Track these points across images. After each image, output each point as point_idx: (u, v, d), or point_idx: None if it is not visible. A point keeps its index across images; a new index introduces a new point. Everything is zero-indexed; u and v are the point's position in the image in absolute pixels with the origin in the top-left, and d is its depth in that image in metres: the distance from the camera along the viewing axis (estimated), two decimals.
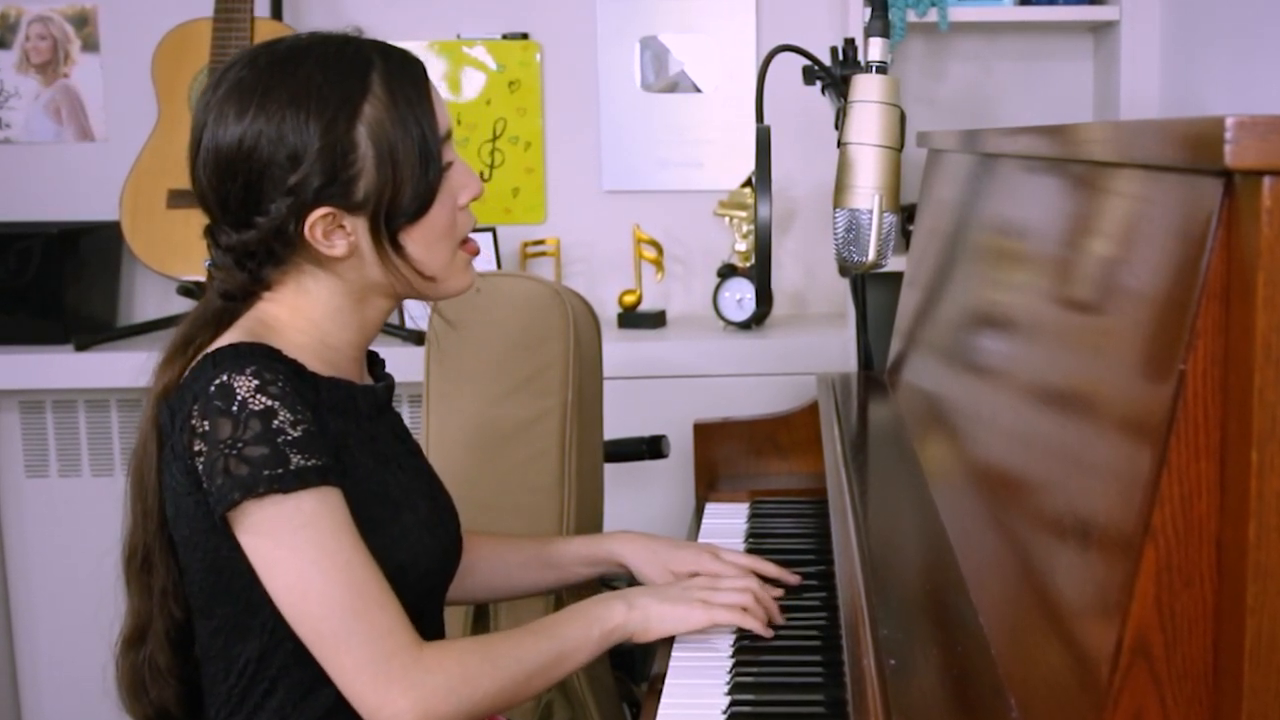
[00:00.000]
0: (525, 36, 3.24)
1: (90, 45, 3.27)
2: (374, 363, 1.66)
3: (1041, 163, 1.43)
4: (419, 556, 1.52)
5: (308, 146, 1.41)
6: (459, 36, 3.21)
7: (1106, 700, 0.90)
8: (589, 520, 2.28)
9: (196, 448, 1.37)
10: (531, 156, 3.26)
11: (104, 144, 3.29)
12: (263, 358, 1.40)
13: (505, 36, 3.23)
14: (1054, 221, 1.32)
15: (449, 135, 1.51)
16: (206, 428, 1.36)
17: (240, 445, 1.34)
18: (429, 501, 1.59)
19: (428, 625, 1.60)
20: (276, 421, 1.36)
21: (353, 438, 1.49)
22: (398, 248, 1.47)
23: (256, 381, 1.37)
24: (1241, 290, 0.85)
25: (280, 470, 1.34)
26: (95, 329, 3.11)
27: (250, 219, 1.44)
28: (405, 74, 1.47)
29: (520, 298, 2.22)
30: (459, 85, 3.22)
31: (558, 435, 2.20)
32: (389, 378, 1.65)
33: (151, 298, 3.29)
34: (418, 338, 2.91)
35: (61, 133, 3.31)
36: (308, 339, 1.49)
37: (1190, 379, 0.86)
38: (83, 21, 3.27)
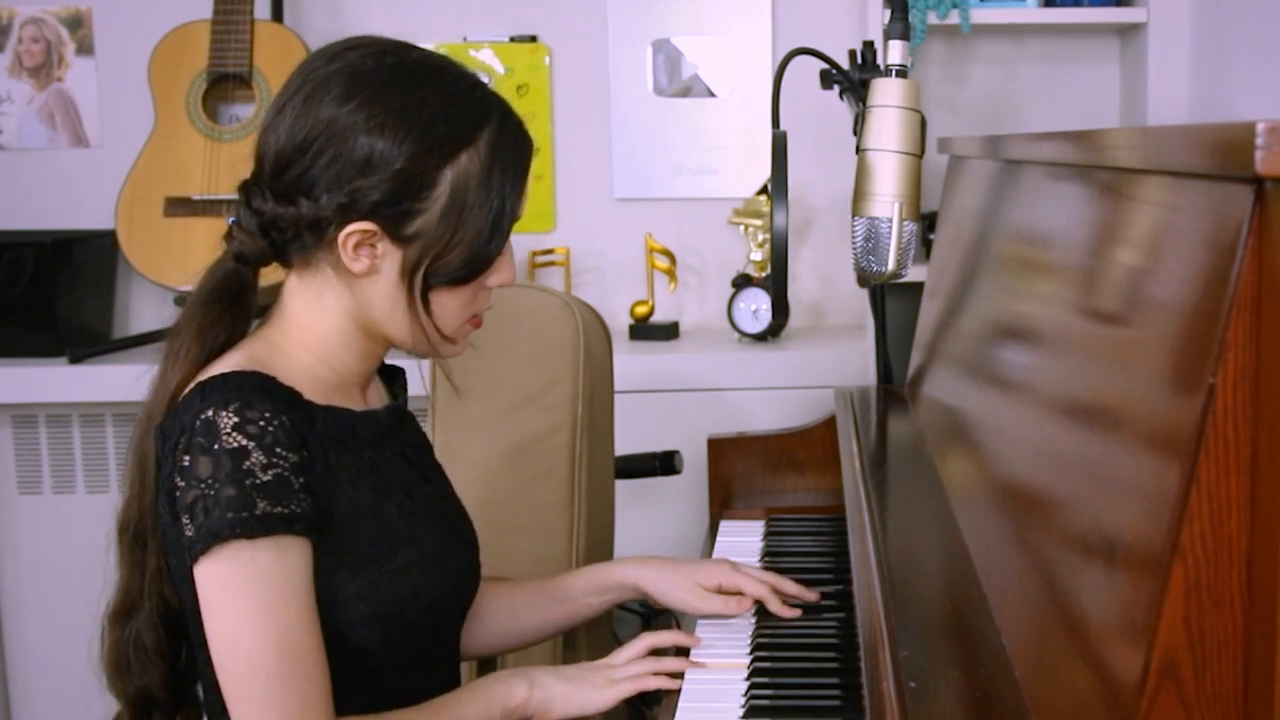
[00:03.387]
0: (534, 39, 3.22)
1: (85, 48, 3.26)
2: (393, 380, 1.66)
3: (1066, 169, 1.43)
4: (420, 591, 1.50)
5: (390, 163, 1.39)
6: (465, 39, 3.21)
7: None
8: (599, 539, 2.27)
9: (178, 481, 1.36)
10: (540, 163, 3.24)
11: (99, 150, 3.28)
12: (252, 391, 1.38)
13: (513, 39, 3.21)
14: (1079, 230, 1.33)
15: (517, 219, 1.50)
16: (187, 463, 1.35)
17: (216, 486, 1.33)
18: (439, 531, 1.57)
19: (437, 659, 1.59)
20: (248, 463, 1.34)
21: (348, 470, 1.46)
22: (426, 300, 1.46)
23: (237, 419, 1.35)
24: (1273, 301, 0.84)
25: (245, 514, 1.33)
26: (90, 341, 3.10)
27: (296, 197, 1.41)
28: (514, 146, 1.47)
29: (528, 309, 2.21)
30: None
31: (567, 451, 2.19)
32: (399, 396, 1.64)
33: (148, 308, 3.28)
34: None
35: (55, 138, 3.29)
36: (312, 358, 1.48)
37: (1220, 392, 0.86)
38: (77, 23, 3.25)
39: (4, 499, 3.12)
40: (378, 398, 1.59)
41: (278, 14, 3.10)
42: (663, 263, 3.15)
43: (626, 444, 2.50)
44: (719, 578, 1.74)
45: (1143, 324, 1.04)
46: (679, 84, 3.21)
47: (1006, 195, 1.77)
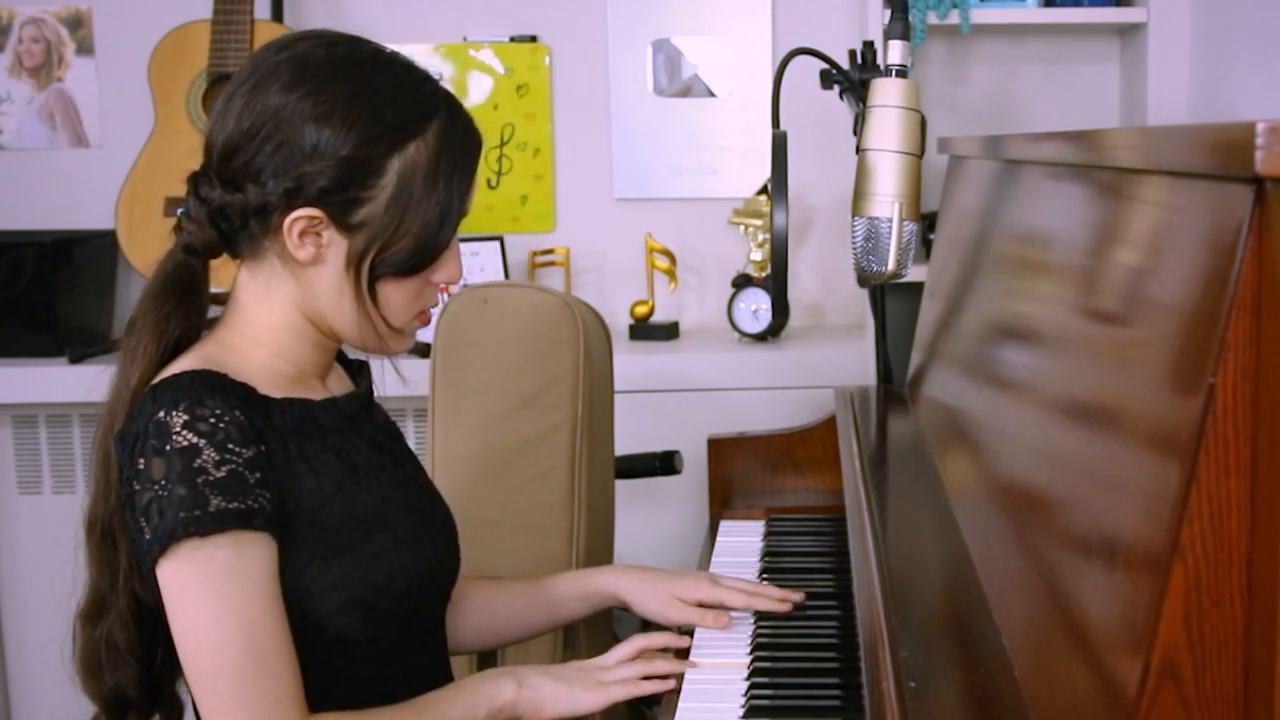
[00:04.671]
0: (534, 39, 3.21)
1: (85, 48, 3.25)
2: (356, 371, 1.65)
3: (1067, 169, 1.43)
4: (396, 576, 1.48)
5: (336, 150, 1.40)
6: (465, 39, 3.19)
7: None
8: (599, 539, 2.26)
9: (135, 486, 1.36)
10: (540, 163, 3.22)
11: (99, 150, 3.27)
12: (202, 389, 1.38)
13: (513, 39, 3.20)
14: (1079, 230, 1.33)
15: (464, 214, 1.50)
16: (142, 466, 1.35)
17: (168, 486, 1.33)
18: (412, 515, 1.56)
19: (421, 644, 1.58)
20: (199, 460, 1.34)
21: (311, 460, 1.46)
22: (373, 291, 1.46)
23: (186, 417, 1.35)
24: (1273, 301, 0.84)
25: (198, 512, 1.32)
26: (90, 341, 3.09)
27: (243, 184, 1.41)
28: (462, 139, 1.48)
29: (529, 309, 2.20)
30: (465, 89, 3.18)
31: (567, 451, 2.18)
32: (362, 383, 1.63)
33: None
34: (423, 350, 2.86)
35: (55, 139, 3.29)
36: (267, 353, 1.48)
37: (1220, 392, 0.86)
38: (77, 23, 3.25)
39: (4, 499, 3.11)
40: (340, 387, 1.58)
41: (278, 14, 3.09)
42: (663, 263, 3.14)
43: (626, 444, 2.49)
44: (698, 593, 1.72)
45: (1143, 324, 1.04)
46: (679, 84, 3.20)
47: (1006, 195, 1.77)
